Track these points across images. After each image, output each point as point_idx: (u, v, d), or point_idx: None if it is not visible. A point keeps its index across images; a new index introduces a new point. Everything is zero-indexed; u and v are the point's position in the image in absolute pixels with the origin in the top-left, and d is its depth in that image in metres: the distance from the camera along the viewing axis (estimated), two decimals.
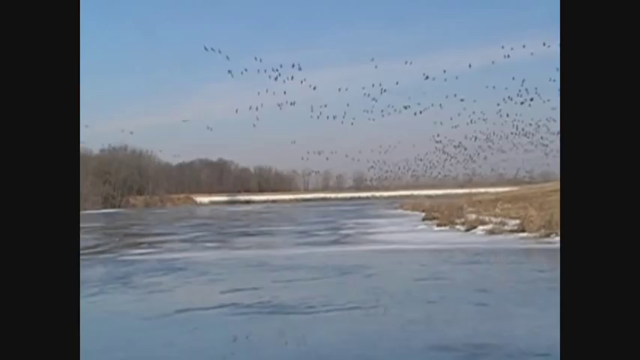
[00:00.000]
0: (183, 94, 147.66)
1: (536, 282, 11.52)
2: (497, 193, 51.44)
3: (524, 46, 46.72)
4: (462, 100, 54.24)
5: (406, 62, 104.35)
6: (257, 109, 46.72)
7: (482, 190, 73.09)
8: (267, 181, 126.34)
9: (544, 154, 52.99)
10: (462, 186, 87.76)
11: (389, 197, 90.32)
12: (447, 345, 6.84)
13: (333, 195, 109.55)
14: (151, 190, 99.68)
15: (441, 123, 53.56)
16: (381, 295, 10.22)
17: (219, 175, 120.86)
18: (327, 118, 53.05)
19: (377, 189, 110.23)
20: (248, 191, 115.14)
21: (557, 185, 43.70)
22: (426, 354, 6.63)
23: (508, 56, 42.98)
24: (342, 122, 50.95)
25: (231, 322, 8.47)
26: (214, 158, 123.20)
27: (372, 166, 58.56)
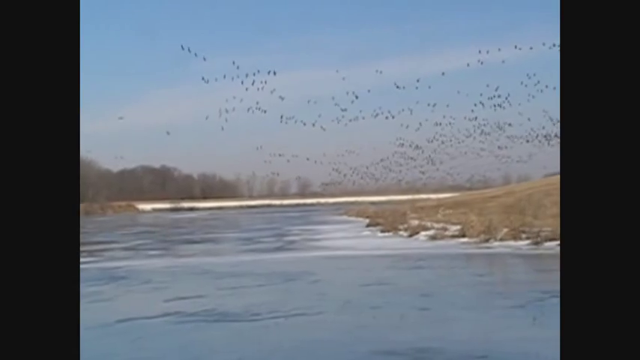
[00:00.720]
0: (128, 100, 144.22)
1: (477, 286, 11.81)
2: (439, 199, 52.40)
3: (499, 50, 46.76)
4: (434, 104, 54.39)
5: (377, 70, 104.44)
6: (225, 112, 45.75)
7: (424, 196, 74.28)
8: (211, 187, 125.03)
9: (494, 158, 53.72)
10: (405, 192, 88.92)
11: (334, 204, 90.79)
12: (391, 349, 6.94)
13: (278, 202, 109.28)
14: (90, 198, 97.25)
15: (407, 127, 53.34)
16: (326, 301, 10.29)
17: (162, 182, 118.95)
18: (295, 122, 52.48)
19: (322, 195, 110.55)
20: (192, 198, 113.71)
21: (496, 192, 44.90)
22: (371, 359, 6.72)
23: (481, 63, 43.28)
24: (313, 126, 50.64)
25: (176, 330, 8.37)
26: (157, 165, 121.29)
27: (335, 169, 58.42)
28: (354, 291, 11.66)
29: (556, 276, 14.66)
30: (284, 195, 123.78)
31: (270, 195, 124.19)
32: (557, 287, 10.84)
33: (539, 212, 23.36)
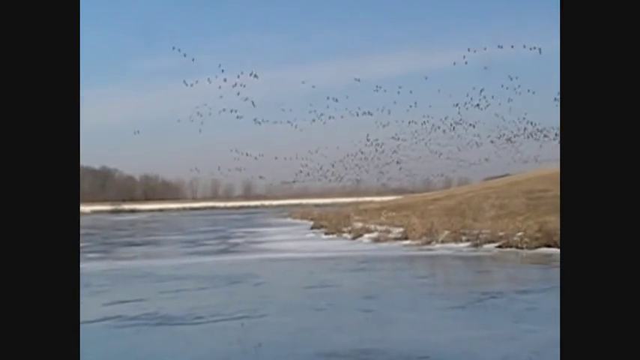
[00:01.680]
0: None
1: (419, 288, 12.01)
2: (382, 202, 52.99)
3: (485, 49, 46.68)
4: (415, 104, 54.19)
5: (354, 69, 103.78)
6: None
7: (368, 199, 75.01)
8: (153, 189, 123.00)
9: (446, 159, 54.16)
10: (349, 195, 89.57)
11: (278, 206, 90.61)
12: (334, 351, 6.99)
13: (222, 204, 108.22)
14: None
15: (384, 126, 52.85)
16: (270, 304, 10.27)
17: (102, 183, 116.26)
18: (261, 122, 51.62)
19: (266, 198, 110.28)
20: (133, 200, 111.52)
21: (437, 195, 45.70)
22: None
23: (466, 63, 43.46)
24: (281, 125, 50.15)
25: (116, 335, 8.21)
26: (97, 166, 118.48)
27: (300, 171, 57.83)
28: (297, 293, 11.68)
29: (494, 277, 15.14)
30: (228, 197, 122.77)
31: (214, 197, 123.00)
32: (495, 288, 11.16)
33: (478, 215, 23.93)
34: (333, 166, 53.27)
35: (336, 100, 45.77)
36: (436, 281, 14.01)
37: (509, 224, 20.77)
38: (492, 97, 42.86)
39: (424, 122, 47.13)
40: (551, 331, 7.61)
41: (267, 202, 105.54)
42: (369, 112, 47.08)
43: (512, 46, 39.94)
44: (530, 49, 39.84)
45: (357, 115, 47.02)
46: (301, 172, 54.88)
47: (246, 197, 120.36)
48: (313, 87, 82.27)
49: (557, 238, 17.50)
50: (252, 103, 44.65)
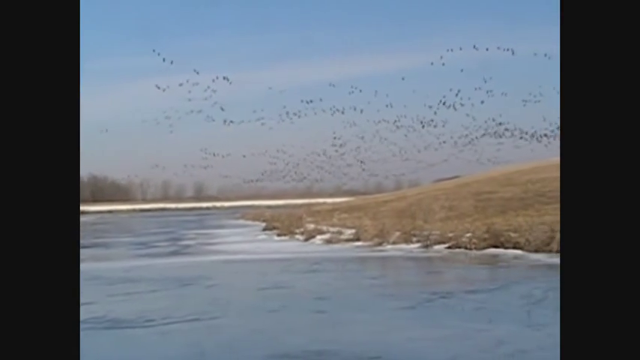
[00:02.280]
0: None
1: (370, 288, 12.13)
2: (334, 204, 53.23)
3: (461, 49, 46.76)
4: (390, 105, 53.93)
5: (328, 68, 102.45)
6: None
7: (320, 200, 75.28)
8: (101, 190, 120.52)
9: (402, 161, 54.47)
10: (302, 196, 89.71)
11: (230, 207, 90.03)
12: (286, 353, 7.01)
13: (173, 205, 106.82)
14: None
15: (353, 125, 52.23)
16: (222, 306, 10.22)
17: None
18: (225, 122, 50.71)
19: (218, 199, 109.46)
20: (81, 201, 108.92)
21: (389, 196, 46.17)
22: None
23: (443, 64, 43.63)
24: (249, 124, 49.58)
25: None
26: None
27: (265, 171, 57.28)
28: (250, 295, 11.65)
29: (443, 277, 15.38)
30: (179, 199, 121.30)
31: (165, 199, 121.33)
32: (445, 288, 11.37)
33: (428, 216, 24.29)
34: (298, 165, 53.22)
35: (310, 102, 45.45)
36: (387, 282, 14.17)
37: (458, 225, 21.15)
38: (469, 98, 43.54)
39: (395, 121, 47.37)
40: (498, 330, 7.81)
41: (219, 204, 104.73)
42: (341, 111, 47.08)
43: (487, 49, 40.64)
44: (504, 50, 40.69)
45: (332, 114, 47.09)
46: (266, 172, 54.74)
47: (198, 198, 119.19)
48: (281, 91, 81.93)
49: (503, 239, 17.93)
50: (221, 107, 44.35)
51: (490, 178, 37.66)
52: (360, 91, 51.46)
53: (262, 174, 55.03)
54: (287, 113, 48.28)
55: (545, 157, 42.47)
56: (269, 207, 67.31)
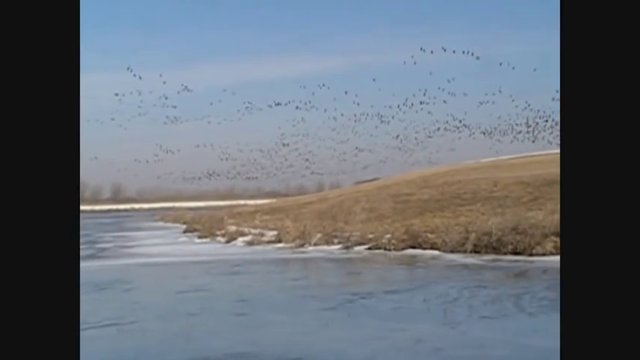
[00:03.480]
0: None
1: (292, 290, 12.18)
2: (256, 205, 53.05)
3: (439, 51, 47.12)
4: (357, 104, 53.38)
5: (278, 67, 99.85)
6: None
7: (242, 202, 74.85)
8: None
9: (343, 160, 54.63)
10: (223, 198, 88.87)
11: (149, 209, 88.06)
12: (206, 356, 6.95)
13: (88, 207, 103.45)
14: None
15: (300, 123, 51.09)
16: (140, 310, 10.01)
17: None
18: (175, 122, 49.12)
19: (136, 201, 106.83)
20: None
21: (310, 198, 46.42)
22: None
23: (405, 63, 43.66)
24: (195, 122, 48.47)
25: None
26: None
27: (207, 171, 56.12)
28: (169, 298, 11.46)
29: (364, 278, 15.61)
30: (96, 200, 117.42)
31: (80, 200, 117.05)
32: (365, 289, 11.55)
33: (349, 218, 24.60)
34: (244, 165, 52.90)
35: (273, 100, 45.19)
36: (309, 283, 14.26)
37: (378, 227, 21.55)
38: (434, 97, 44.64)
39: (354, 118, 47.56)
40: (415, 329, 8.03)
41: (137, 206, 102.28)
42: (294, 109, 46.88)
43: (453, 51, 42.17)
44: (469, 54, 42.23)
45: (280, 112, 46.90)
46: (209, 170, 53.99)
47: (115, 200, 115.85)
48: (233, 92, 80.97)
49: (421, 240, 18.41)
50: (161, 105, 43.36)
51: (408, 180, 38.54)
52: (329, 88, 51.57)
53: (206, 173, 54.40)
54: (239, 111, 47.99)
55: (494, 151, 44.48)
56: (189, 209, 66.31)
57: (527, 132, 44.59)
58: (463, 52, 41.85)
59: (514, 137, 44.98)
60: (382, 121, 47.26)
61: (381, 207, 27.59)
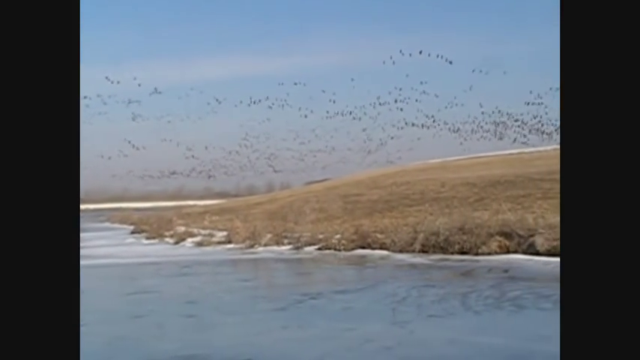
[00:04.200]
0: None
1: (241, 291, 12.13)
2: (205, 206, 52.54)
3: (410, 55, 47.29)
4: (333, 102, 52.94)
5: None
6: None
7: (191, 202, 74.00)
8: None
9: (300, 160, 54.45)
10: (172, 198, 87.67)
11: (95, 210, 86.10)
12: (154, 359, 6.87)
13: None
14: None
15: (265, 122, 50.13)
16: (86, 313, 9.78)
17: None
18: (137, 119, 47.93)
19: (83, 201, 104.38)
20: None
21: (260, 198, 46.29)
22: None
23: (394, 63, 43.99)
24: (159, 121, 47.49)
25: None
26: None
27: (170, 170, 55.23)
28: (117, 300, 11.26)
29: (313, 278, 15.64)
30: None
31: None
32: (315, 289, 11.59)
33: (299, 218, 24.63)
34: (211, 165, 52.27)
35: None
36: (259, 284, 14.23)
37: (328, 227, 21.64)
38: (408, 98, 45.08)
39: (326, 116, 47.55)
40: (365, 329, 8.11)
41: (83, 206, 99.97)
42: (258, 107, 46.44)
43: (428, 54, 43.29)
44: (442, 57, 43.20)
45: (243, 111, 46.50)
46: (170, 169, 53.26)
47: None
48: (201, 92, 79.55)
49: (370, 240, 18.58)
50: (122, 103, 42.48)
51: (358, 181, 38.86)
52: (304, 84, 51.19)
53: (167, 172, 53.70)
54: (209, 106, 47.40)
55: (465, 147, 45.38)
56: (137, 209, 65.20)
57: (496, 131, 45.90)
58: (437, 56, 43.06)
59: (481, 136, 46.23)
60: (354, 119, 47.59)
61: (331, 207, 27.72)
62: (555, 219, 16.48)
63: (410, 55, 43.51)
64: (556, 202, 19.70)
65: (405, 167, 43.25)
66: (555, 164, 27.99)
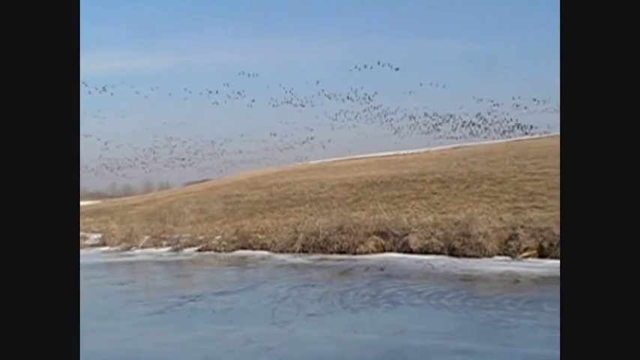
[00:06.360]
0: None
1: (116, 295, 11.74)
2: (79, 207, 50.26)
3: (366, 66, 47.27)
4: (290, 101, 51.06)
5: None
6: None
7: None
8: None
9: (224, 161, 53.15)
10: None
11: None
12: None
13: None
14: None
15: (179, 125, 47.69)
16: None
17: None
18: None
19: None
20: None
21: (138, 199, 44.90)
22: None
23: (351, 69, 44.30)
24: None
25: None
26: None
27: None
28: None
29: (193, 280, 15.40)
30: None
31: None
32: (195, 291, 11.40)
33: (179, 219, 24.15)
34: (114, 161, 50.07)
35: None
36: (135, 287, 13.81)
37: (208, 228, 21.39)
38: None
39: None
40: (245, 330, 8.12)
41: None
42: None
43: (378, 62, 45.22)
44: (389, 66, 45.02)
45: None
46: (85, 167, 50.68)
47: None
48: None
49: (251, 241, 18.58)
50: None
51: (238, 181, 38.65)
52: (249, 77, 50.03)
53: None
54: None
55: (401, 143, 46.54)
56: None
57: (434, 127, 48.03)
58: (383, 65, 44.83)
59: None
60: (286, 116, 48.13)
61: (211, 208, 27.39)
62: (427, 218, 17.30)
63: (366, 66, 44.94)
64: (427, 202, 20.67)
65: (284, 168, 43.59)
66: (427, 166, 29.21)
